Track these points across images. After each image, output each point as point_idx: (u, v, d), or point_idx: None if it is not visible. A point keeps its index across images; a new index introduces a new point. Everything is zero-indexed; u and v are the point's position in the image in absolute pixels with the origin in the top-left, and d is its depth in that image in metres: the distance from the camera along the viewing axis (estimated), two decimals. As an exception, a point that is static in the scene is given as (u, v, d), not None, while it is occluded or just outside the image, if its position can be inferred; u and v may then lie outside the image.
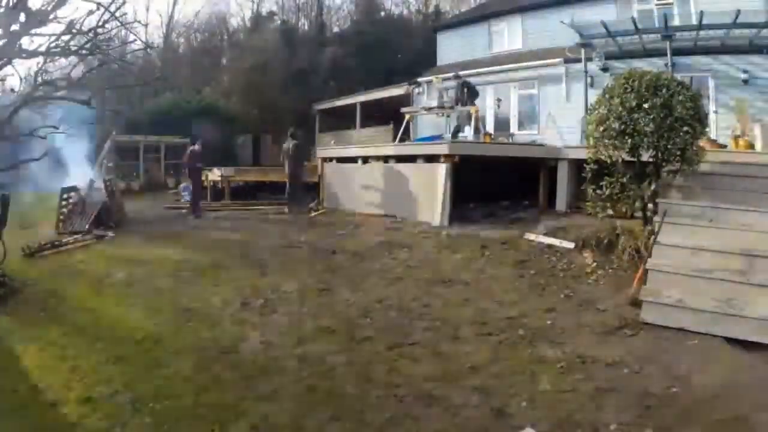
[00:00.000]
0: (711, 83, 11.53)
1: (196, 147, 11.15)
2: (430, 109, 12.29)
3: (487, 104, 15.26)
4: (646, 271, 4.73)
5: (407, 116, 13.33)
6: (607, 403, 3.17)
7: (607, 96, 5.80)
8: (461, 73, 12.85)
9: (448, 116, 12.28)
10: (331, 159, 11.89)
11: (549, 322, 4.43)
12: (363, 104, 20.06)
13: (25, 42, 6.89)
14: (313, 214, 10.39)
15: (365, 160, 10.51)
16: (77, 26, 7.23)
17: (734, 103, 8.42)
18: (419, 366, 3.76)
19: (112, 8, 7.41)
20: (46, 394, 3.57)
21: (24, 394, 3.60)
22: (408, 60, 23.10)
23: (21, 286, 6.05)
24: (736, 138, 8.13)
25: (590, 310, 4.63)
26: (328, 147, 14.75)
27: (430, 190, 8.46)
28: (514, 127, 15.27)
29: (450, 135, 11.55)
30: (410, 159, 9.52)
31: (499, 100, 13.54)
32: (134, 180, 17.47)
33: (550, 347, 3.96)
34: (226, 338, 4.40)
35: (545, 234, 7.01)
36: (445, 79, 12.93)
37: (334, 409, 3.26)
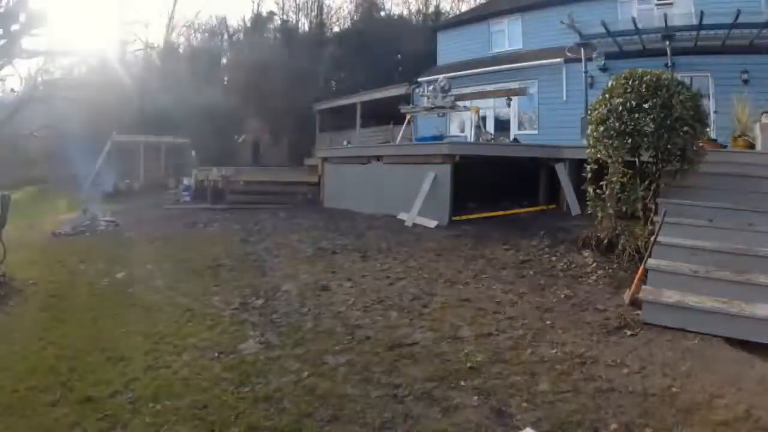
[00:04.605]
0: (711, 83, 11.54)
1: None
2: (430, 109, 12.31)
3: (487, 104, 15.27)
4: (646, 271, 4.73)
5: (407, 116, 13.35)
6: (607, 403, 3.17)
7: (607, 96, 5.79)
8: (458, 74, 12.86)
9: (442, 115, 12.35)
10: (331, 159, 11.89)
11: (549, 322, 4.43)
12: (363, 104, 20.08)
13: (25, 42, 6.89)
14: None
15: (365, 159, 10.52)
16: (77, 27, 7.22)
17: (734, 103, 8.41)
18: (419, 366, 3.76)
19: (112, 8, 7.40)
20: (46, 394, 3.57)
21: (24, 393, 3.60)
22: (408, 60, 23.14)
23: (22, 286, 6.05)
24: (736, 138, 8.12)
25: (590, 310, 4.63)
26: (328, 147, 14.77)
27: (431, 190, 8.46)
28: (513, 127, 15.30)
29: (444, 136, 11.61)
30: (410, 159, 9.53)
31: (509, 99, 13.56)
32: (134, 180, 17.49)
33: (550, 347, 3.95)
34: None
35: (545, 234, 7.02)
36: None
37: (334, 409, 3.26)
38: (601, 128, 5.71)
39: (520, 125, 15.32)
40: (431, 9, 30.06)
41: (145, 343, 4.34)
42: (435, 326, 4.44)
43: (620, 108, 5.52)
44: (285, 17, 29.90)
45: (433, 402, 3.27)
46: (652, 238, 4.98)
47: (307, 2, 29.86)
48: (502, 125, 15.47)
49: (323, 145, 19.77)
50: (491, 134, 13.64)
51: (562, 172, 8.61)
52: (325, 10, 30.22)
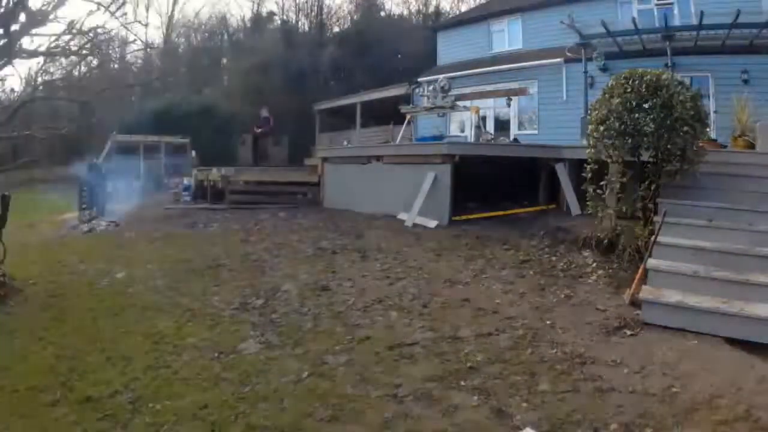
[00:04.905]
0: (711, 83, 11.55)
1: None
2: (430, 109, 12.31)
3: (487, 105, 15.27)
4: (646, 271, 4.73)
5: (408, 116, 13.33)
6: (607, 403, 3.17)
7: (607, 96, 5.79)
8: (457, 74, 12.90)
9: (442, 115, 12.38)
10: (331, 159, 11.89)
11: (549, 322, 4.43)
12: (363, 104, 20.08)
13: (25, 42, 6.90)
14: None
15: (365, 160, 10.52)
16: (77, 26, 7.25)
17: (734, 103, 8.42)
18: (419, 366, 3.76)
19: (112, 8, 7.43)
20: (46, 394, 3.57)
21: (24, 393, 3.60)
22: (408, 60, 23.13)
23: (22, 286, 6.05)
24: (736, 138, 8.12)
25: (590, 310, 4.63)
26: (328, 147, 14.76)
27: (431, 190, 8.46)
28: (514, 128, 15.30)
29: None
30: (410, 159, 9.52)
31: (509, 99, 13.58)
32: (134, 180, 17.47)
33: (550, 347, 3.95)
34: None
35: (545, 234, 7.02)
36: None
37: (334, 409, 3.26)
38: (601, 128, 5.70)
39: (520, 125, 15.32)
40: (431, 9, 30.09)
41: (145, 343, 4.34)
42: (435, 326, 4.44)
43: (620, 108, 5.52)
44: (285, 17, 29.93)
45: (433, 402, 3.27)
46: (652, 238, 4.98)
47: (307, 2, 29.89)
48: (502, 125, 15.47)
49: (323, 145, 19.76)
50: (491, 134, 13.63)
51: (562, 172, 8.61)
52: (325, 10, 30.26)
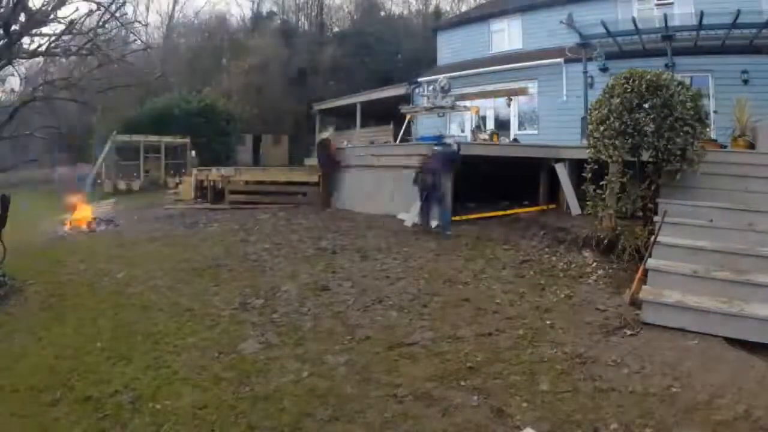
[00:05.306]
0: (711, 83, 11.55)
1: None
2: (430, 109, 12.31)
3: (487, 105, 15.27)
4: (646, 271, 4.73)
5: (408, 116, 13.33)
6: (607, 403, 3.17)
7: (607, 96, 5.80)
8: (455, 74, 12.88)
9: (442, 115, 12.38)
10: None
11: (549, 322, 4.43)
12: (363, 104, 20.08)
13: (25, 42, 6.90)
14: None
15: (365, 159, 10.51)
16: (77, 26, 7.24)
17: (734, 103, 8.42)
18: (419, 366, 3.76)
19: (112, 8, 7.43)
20: (46, 394, 3.57)
21: (24, 393, 3.60)
22: (408, 60, 23.18)
23: (22, 286, 6.04)
24: (736, 138, 8.12)
25: (590, 310, 4.63)
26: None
27: (430, 190, 8.43)
28: (513, 127, 15.29)
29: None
30: (410, 159, 9.51)
31: (509, 99, 13.58)
32: (134, 180, 17.50)
33: (550, 347, 3.95)
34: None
35: (545, 234, 7.02)
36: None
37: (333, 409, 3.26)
38: (602, 128, 5.71)
39: (520, 125, 15.32)
40: (431, 9, 30.11)
41: (145, 343, 4.34)
42: (435, 326, 4.44)
43: (620, 108, 5.52)
44: (285, 17, 29.93)
45: (433, 402, 3.27)
46: (652, 238, 4.98)
47: (307, 2, 29.91)
48: (502, 125, 15.46)
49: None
50: (488, 134, 13.63)
51: (562, 172, 8.61)
52: (325, 10, 30.28)
